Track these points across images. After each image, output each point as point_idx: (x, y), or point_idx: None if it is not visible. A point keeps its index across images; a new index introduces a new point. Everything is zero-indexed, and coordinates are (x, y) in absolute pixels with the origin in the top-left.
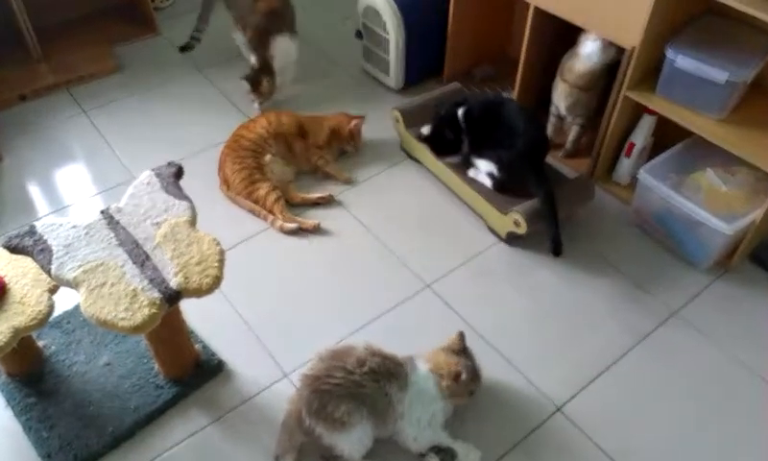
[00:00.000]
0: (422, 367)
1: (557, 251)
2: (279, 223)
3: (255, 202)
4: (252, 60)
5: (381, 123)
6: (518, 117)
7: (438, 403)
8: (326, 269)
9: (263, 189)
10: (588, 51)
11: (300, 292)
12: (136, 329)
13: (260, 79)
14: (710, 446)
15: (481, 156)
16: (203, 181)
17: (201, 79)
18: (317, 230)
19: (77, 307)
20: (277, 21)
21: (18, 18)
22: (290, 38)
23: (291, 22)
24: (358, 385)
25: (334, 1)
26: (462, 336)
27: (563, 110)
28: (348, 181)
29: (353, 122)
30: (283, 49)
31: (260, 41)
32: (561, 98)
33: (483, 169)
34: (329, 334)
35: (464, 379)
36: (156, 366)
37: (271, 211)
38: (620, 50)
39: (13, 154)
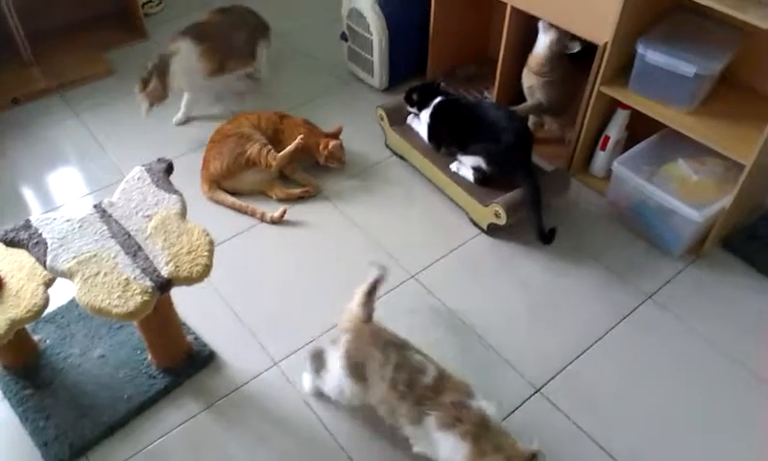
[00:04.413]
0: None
1: (548, 239)
2: (270, 214)
3: (253, 164)
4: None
5: (366, 122)
6: (499, 113)
7: None
8: (313, 261)
9: (254, 149)
10: (539, 41)
11: (287, 284)
12: (130, 316)
13: (150, 77)
14: (684, 420)
15: (466, 151)
16: (191, 180)
17: None
18: (316, 192)
19: (71, 302)
20: (194, 30)
21: (10, 23)
22: (198, 53)
23: (213, 47)
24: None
25: (320, 3)
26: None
27: (527, 95)
28: (317, 189)
29: (331, 144)
30: (185, 55)
31: (172, 36)
32: (524, 82)
33: (468, 163)
34: (317, 324)
35: None
36: (149, 357)
37: (267, 164)
38: (569, 42)
39: (7, 156)
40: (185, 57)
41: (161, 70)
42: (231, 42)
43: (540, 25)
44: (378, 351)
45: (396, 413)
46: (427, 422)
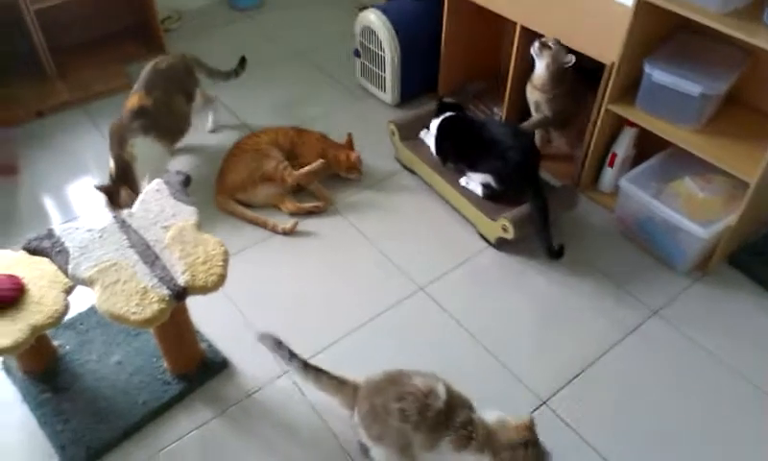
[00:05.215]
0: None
1: (557, 255)
2: (281, 226)
3: (270, 179)
4: (110, 164)
5: (378, 136)
6: (506, 130)
7: None
8: (324, 273)
9: (270, 165)
10: (537, 64)
11: (299, 294)
12: (147, 323)
13: (117, 189)
14: (690, 435)
15: (476, 169)
16: (206, 192)
17: None
18: (328, 206)
19: (90, 309)
20: (143, 120)
21: (34, 39)
22: (154, 142)
23: (163, 127)
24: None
25: (333, 20)
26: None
27: (532, 109)
28: (330, 202)
29: (353, 156)
30: (144, 152)
31: (118, 140)
32: (529, 97)
33: (478, 180)
34: (327, 334)
35: None
36: (164, 363)
37: (283, 180)
38: (565, 56)
39: (31, 167)
40: (144, 154)
41: (125, 178)
42: (173, 111)
43: (532, 51)
44: (376, 400)
45: (413, 445)
46: (443, 445)
